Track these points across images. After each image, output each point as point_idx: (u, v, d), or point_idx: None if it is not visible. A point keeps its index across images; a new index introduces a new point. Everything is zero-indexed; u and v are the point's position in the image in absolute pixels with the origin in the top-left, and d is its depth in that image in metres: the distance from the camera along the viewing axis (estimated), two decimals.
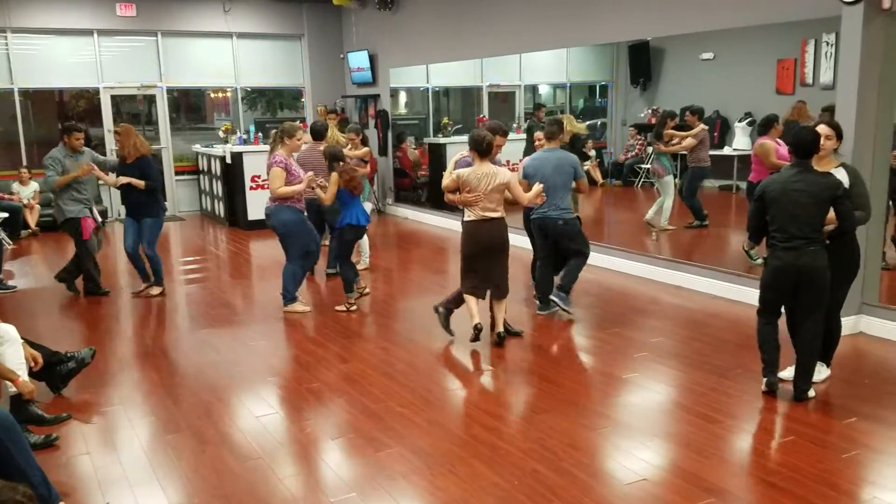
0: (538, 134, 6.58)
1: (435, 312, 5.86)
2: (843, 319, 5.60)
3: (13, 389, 4.13)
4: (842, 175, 4.45)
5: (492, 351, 5.56)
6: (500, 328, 5.60)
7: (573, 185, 6.17)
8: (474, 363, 5.34)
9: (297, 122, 7.67)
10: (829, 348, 4.72)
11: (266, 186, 6.52)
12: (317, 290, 7.42)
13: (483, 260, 5.51)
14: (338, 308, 6.63)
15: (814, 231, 4.26)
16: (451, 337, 5.74)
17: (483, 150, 5.32)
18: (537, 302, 6.42)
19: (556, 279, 6.39)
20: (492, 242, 5.48)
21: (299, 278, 6.66)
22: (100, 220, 7.37)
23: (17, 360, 4.13)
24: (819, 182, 4.25)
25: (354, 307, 6.62)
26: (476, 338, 5.51)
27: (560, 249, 6.25)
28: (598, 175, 12.49)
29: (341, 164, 6.50)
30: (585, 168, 12.39)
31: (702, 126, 9.12)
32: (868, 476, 3.66)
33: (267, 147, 6.98)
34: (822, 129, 4.51)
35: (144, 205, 7.08)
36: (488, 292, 5.65)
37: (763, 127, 7.15)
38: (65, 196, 6.98)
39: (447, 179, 5.52)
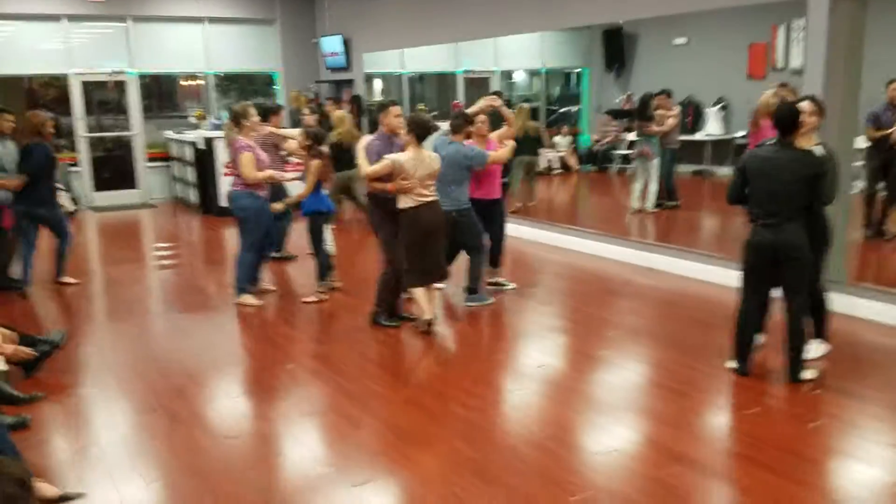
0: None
1: (377, 324, 5.64)
2: None
3: None
4: (819, 153, 4.42)
5: (466, 330, 5.60)
6: (432, 315, 5.44)
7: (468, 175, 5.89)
8: (450, 343, 5.38)
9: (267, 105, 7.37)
10: (820, 322, 4.72)
11: (234, 173, 6.20)
12: (286, 276, 7.41)
13: (430, 245, 5.37)
14: (306, 300, 6.32)
15: (792, 210, 4.22)
16: (419, 319, 5.59)
17: (421, 133, 5.22)
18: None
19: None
20: (436, 225, 5.36)
21: (252, 269, 6.34)
22: (70, 207, 7.21)
23: None
24: (800, 160, 4.21)
25: (326, 297, 6.37)
26: (428, 331, 5.39)
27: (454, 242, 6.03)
28: (573, 161, 12.63)
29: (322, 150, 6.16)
30: (561, 153, 12.53)
31: (678, 107, 9.32)
32: (832, 444, 3.76)
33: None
34: (806, 105, 4.43)
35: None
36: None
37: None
38: None
39: (371, 167, 5.21)
